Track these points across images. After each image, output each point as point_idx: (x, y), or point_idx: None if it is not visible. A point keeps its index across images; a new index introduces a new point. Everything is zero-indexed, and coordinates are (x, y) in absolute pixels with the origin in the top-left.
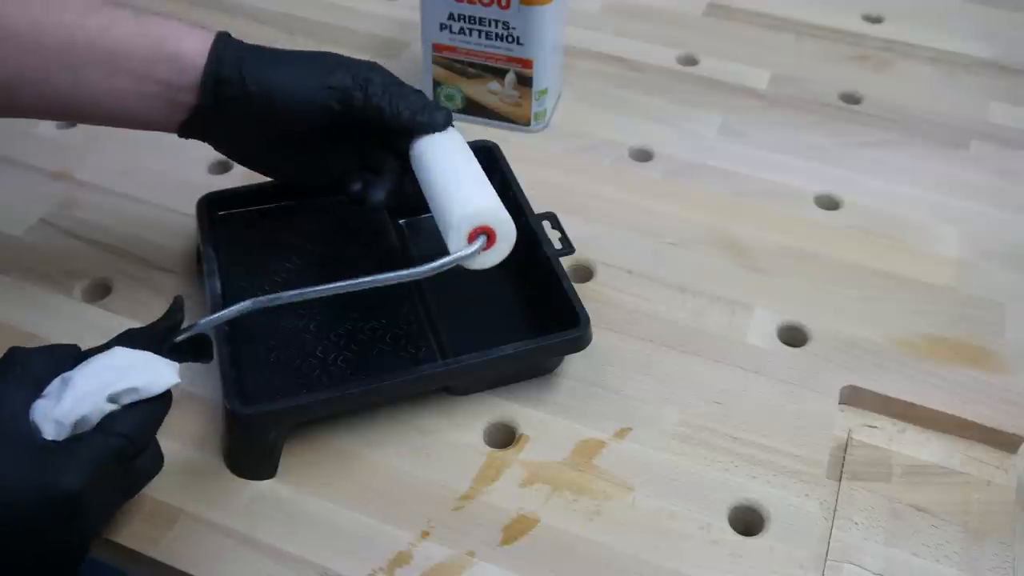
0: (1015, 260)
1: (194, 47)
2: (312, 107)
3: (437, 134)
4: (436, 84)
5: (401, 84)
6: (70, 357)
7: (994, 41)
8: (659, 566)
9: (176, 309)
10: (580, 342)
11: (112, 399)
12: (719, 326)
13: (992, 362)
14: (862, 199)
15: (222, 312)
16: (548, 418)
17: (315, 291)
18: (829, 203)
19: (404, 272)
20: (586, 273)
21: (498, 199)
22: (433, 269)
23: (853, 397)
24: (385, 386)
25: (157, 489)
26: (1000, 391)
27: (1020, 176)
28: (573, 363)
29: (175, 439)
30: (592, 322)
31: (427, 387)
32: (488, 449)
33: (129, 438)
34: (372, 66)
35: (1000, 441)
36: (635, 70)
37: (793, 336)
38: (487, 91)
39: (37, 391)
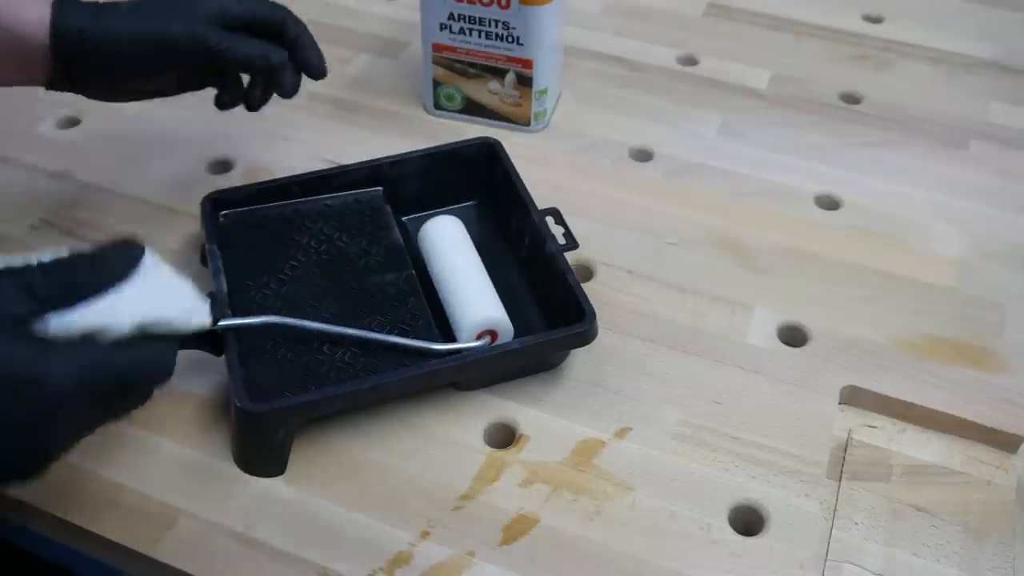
0: (1015, 260)
1: (32, 17)
2: (161, 61)
3: (442, 221)
4: (436, 84)
5: (241, 39)
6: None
7: (994, 41)
8: (659, 566)
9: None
10: (586, 336)
11: (140, 328)
12: (719, 326)
13: (992, 362)
14: (862, 199)
15: (246, 320)
16: (548, 418)
17: (337, 330)
18: (829, 203)
19: (421, 343)
20: (586, 273)
21: (499, 302)
22: (447, 351)
23: (853, 397)
24: (394, 382)
25: (157, 489)
26: (1000, 391)
27: (1020, 176)
28: (573, 363)
29: (175, 439)
30: None
31: (435, 383)
32: (488, 449)
33: (141, 369)
34: (208, 24)
35: (1000, 441)
36: (635, 70)
37: (793, 336)
38: (487, 91)
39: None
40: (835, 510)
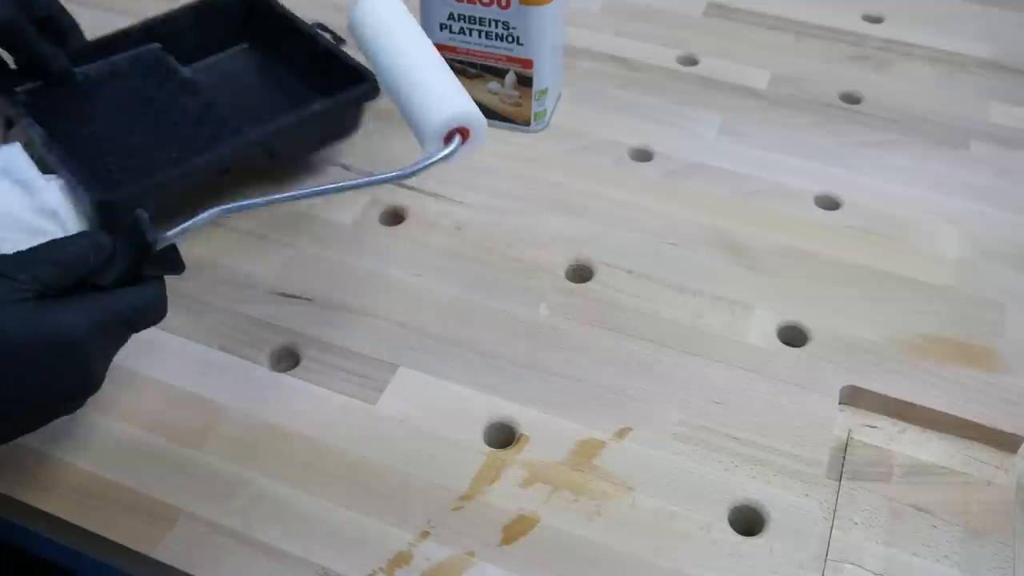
0: (1015, 260)
1: None
2: None
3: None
4: None
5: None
6: None
7: (994, 41)
8: (659, 566)
9: (139, 221)
10: (371, 92)
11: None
12: (719, 326)
13: (992, 362)
14: (862, 199)
15: (192, 220)
16: (548, 418)
17: (287, 196)
18: (829, 203)
19: (385, 176)
20: (586, 273)
21: (466, 93)
22: (417, 170)
23: (853, 397)
24: (223, 155)
25: (157, 489)
26: (1000, 391)
27: (1020, 176)
28: (574, 362)
29: (175, 439)
30: (592, 322)
31: (256, 151)
32: (488, 449)
33: (141, 311)
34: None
35: (1000, 441)
36: (635, 70)
37: (793, 336)
38: (487, 91)
39: None
40: (835, 510)
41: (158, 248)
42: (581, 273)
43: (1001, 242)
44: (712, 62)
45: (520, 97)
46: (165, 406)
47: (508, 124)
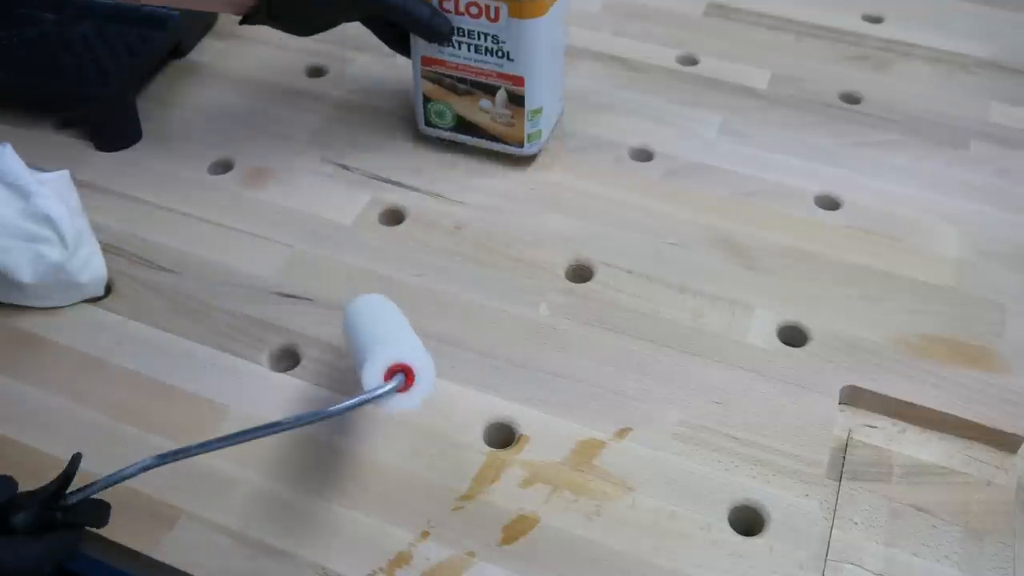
0: (1015, 260)
1: None
2: (343, 9)
3: (370, 297)
4: (426, 100)
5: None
6: None
7: (994, 41)
8: (659, 566)
9: (71, 464)
10: None
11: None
12: (719, 326)
13: (992, 362)
14: (862, 199)
15: (122, 470)
16: (548, 418)
17: (225, 440)
18: (829, 203)
19: (315, 413)
20: (586, 273)
21: (421, 345)
22: (346, 408)
23: (853, 397)
24: None
25: (157, 489)
26: (1000, 391)
27: (1020, 176)
28: (574, 362)
29: (174, 439)
30: (592, 322)
31: None
32: (488, 449)
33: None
34: None
35: (1000, 441)
36: (635, 70)
37: (793, 336)
38: (478, 109)
39: None
40: (835, 510)
41: (75, 503)
42: (581, 273)
43: (1001, 242)
44: (712, 62)
45: (512, 116)
46: (165, 406)
47: (500, 144)
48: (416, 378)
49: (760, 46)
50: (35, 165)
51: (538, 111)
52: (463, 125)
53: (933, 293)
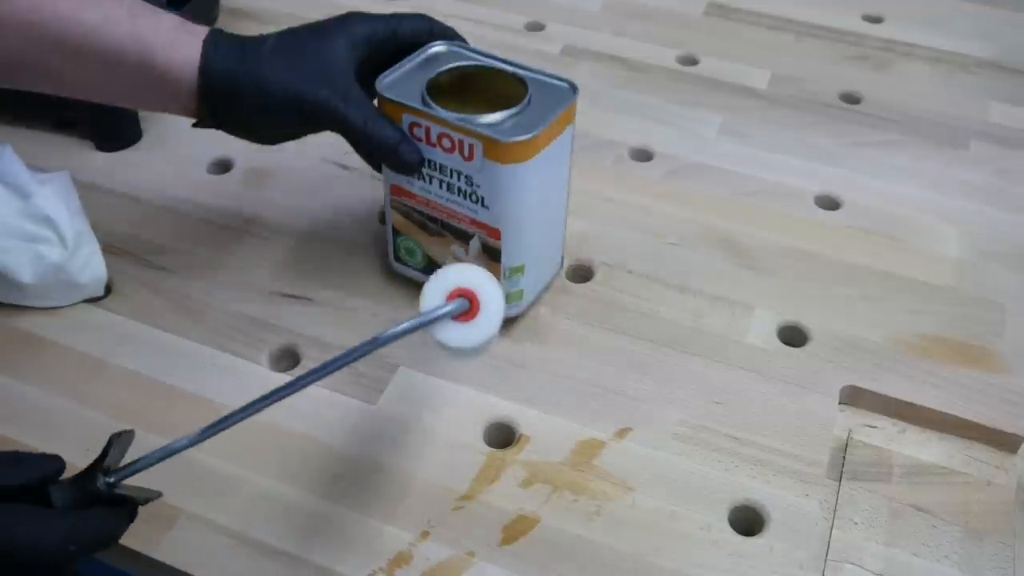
0: (1015, 260)
1: (183, 60)
2: (302, 116)
3: None
4: (395, 233)
5: (377, 116)
6: None
7: (994, 41)
8: (659, 566)
9: (114, 445)
10: None
11: None
12: (719, 326)
13: (992, 362)
14: (862, 199)
15: (170, 444)
16: (548, 418)
17: (274, 396)
18: (829, 203)
19: (370, 342)
20: (586, 273)
21: (493, 277)
22: (401, 333)
23: (853, 397)
24: None
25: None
26: (1000, 391)
27: (1020, 176)
28: (574, 362)
29: (174, 439)
30: (592, 322)
31: None
32: (488, 449)
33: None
34: (348, 90)
35: (1000, 441)
36: (635, 70)
37: (793, 336)
38: (451, 255)
39: None
40: (835, 510)
41: (119, 480)
42: (581, 273)
43: (1001, 242)
44: (712, 62)
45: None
46: (165, 406)
47: None
48: (480, 308)
49: (760, 46)
50: (35, 165)
51: (519, 269)
52: (434, 267)
53: (933, 293)
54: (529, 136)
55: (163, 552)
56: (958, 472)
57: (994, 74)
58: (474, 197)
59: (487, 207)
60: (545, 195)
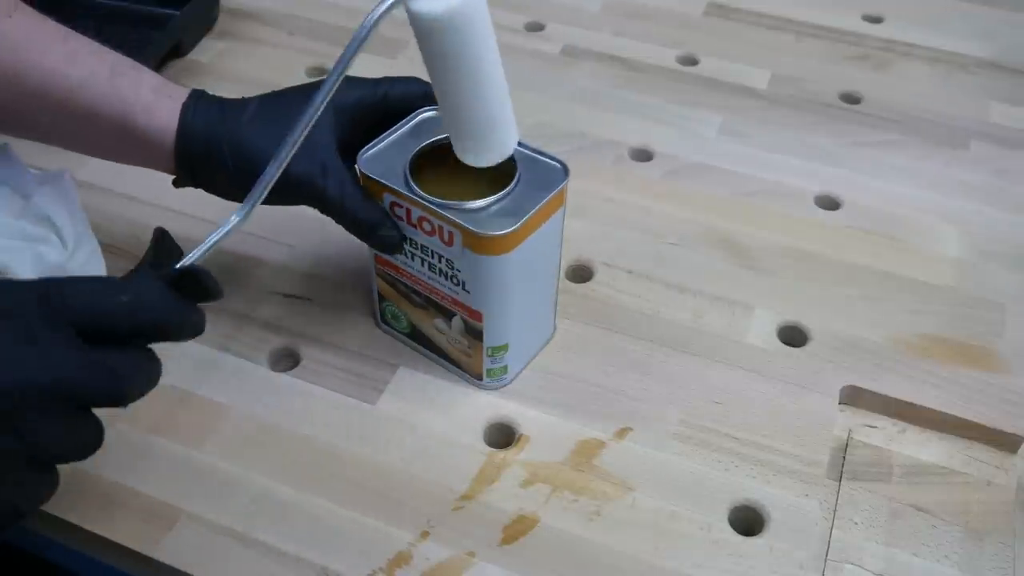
0: (1015, 260)
1: (162, 124)
2: (276, 186)
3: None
4: (381, 298)
5: (355, 194)
6: None
7: (994, 41)
8: (659, 566)
9: (163, 240)
10: None
11: None
12: (719, 326)
13: (992, 362)
14: (862, 199)
15: (211, 235)
16: (548, 418)
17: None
18: (829, 203)
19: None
20: (586, 273)
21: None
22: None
23: (853, 397)
24: None
25: (157, 489)
26: (1000, 391)
27: (1019, 176)
28: (574, 362)
29: (175, 439)
30: (592, 322)
31: None
32: (488, 449)
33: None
34: (327, 164)
35: (1000, 441)
36: (635, 70)
37: (793, 336)
38: (434, 327)
39: None
40: (835, 510)
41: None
42: (581, 273)
43: (1000, 242)
44: (712, 62)
45: (469, 347)
46: (165, 406)
47: (458, 370)
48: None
49: (760, 46)
50: (35, 165)
51: (501, 348)
52: (419, 335)
53: (933, 293)
54: (509, 231)
55: (163, 552)
56: (958, 472)
57: (993, 74)
58: (455, 280)
59: (468, 291)
60: (530, 280)
